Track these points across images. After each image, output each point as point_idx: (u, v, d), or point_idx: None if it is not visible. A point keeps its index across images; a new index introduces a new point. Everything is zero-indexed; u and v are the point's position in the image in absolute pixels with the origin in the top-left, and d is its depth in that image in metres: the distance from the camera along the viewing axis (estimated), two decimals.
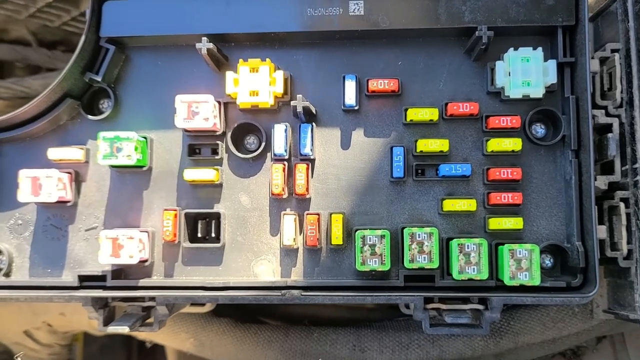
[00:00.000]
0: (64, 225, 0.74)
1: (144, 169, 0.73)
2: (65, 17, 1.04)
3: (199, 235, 0.73)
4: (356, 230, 0.69)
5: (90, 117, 0.74)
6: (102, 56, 0.73)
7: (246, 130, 0.74)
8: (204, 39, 0.69)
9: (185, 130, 0.73)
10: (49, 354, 1.07)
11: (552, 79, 0.68)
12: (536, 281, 0.65)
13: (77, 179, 0.74)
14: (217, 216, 0.73)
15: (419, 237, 0.67)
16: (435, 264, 0.66)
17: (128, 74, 0.75)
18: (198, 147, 0.74)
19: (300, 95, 0.67)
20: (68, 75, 0.71)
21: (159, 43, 0.74)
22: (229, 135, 0.73)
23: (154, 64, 0.75)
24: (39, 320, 1.00)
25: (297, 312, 1.00)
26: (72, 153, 0.73)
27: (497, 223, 0.69)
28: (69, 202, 0.73)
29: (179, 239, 0.72)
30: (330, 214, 0.70)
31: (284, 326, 0.92)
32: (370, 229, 0.68)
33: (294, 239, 0.70)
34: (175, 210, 0.71)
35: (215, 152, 0.73)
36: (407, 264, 0.67)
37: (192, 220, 0.73)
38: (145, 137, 0.73)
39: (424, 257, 0.66)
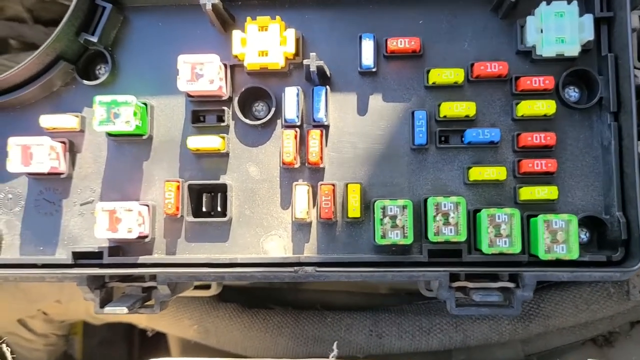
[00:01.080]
0: (58, 200, 0.69)
1: (144, 137, 0.67)
2: None
3: (204, 209, 0.68)
4: (375, 202, 0.63)
5: (85, 82, 0.68)
6: (98, 16, 0.67)
7: (254, 95, 0.68)
8: None
9: (189, 96, 0.67)
10: (45, 345, 1.01)
11: (589, 35, 0.62)
12: (574, 254, 0.59)
13: (72, 150, 0.68)
14: (223, 188, 0.67)
15: (445, 208, 0.61)
16: (463, 237, 0.60)
17: (127, 36, 0.69)
18: (202, 113, 0.68)
19: (314, 54, 0.62)
20: (61, 35, 0.65)
21: (160, 2, 0.69)
22: (235, 100, 0.67)
23: (155, 25, 0.69)
24: (33, 308, 0.94)
25: (307, 298, 0.94)
26: (66, 121, 0.67)
27: (529, 193, 0.63)
28: (62, 174, 0.67)
29: (182, 212, 0.66)
30: (347, 185, 0.65)
31: (294, 311, 0.86)
32: (390, 199, 0.62)
33: (307, 211, 0.64)
34: (177, 181, 0.66)
35: (221, 119, 0.67)
36: (431, 237, 0.61)
37: (196, 193, 0.68)
38: (145, 104, 0.67)
39: (450, 230, 0.60)
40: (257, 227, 0.67)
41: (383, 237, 0.61)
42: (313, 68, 0.62)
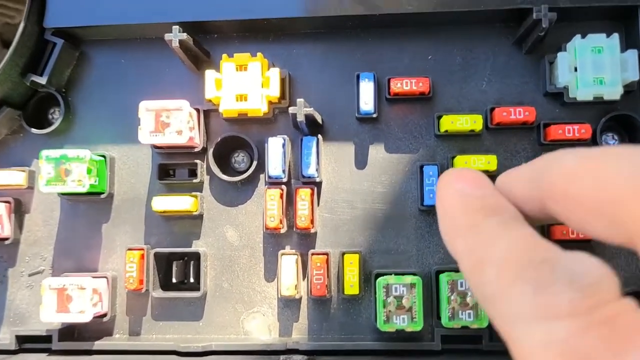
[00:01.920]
0: (2, 269, 0.58)
1: (103, 196, 0.56)
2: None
3: (174, 280, 0.57)
4: (377, 276, 0.52)
5: (34, 130, 0.58)
6: (48, 53, 0.57)
7: (233, 145, 0.58)
8: (176, 27, 0.53)
9: (155, 147, 0.57)
10: None
11: (634, 75, 0.52)
12: None
13: (19, 210, 0.58)
14: (196, 256, 0.56)
15: (462, 287, 0.50)
16: (484, 323, 0.50)
17: (84, 76, 0.59)
18: (172, 167, 0.58)
19: (302, 100, 0.51)
20: (2, 77, 0.55)
21: (122, 36, 0.58)
22: (210, 152, 0.56)
23: (117, 62, 0.59)
24: None
25: None
26: (11, 177, 0.57)
27: None
28: (7, 239, 0.57)
29: (147, 286, 0.55)
30: (343, 254, 0.54)
31: None
32: (395, 273, 0.52)
33: (296, 286, 0.54)
34: (141, 249, 0.55)
35: (193, 173, 0.57)
36: (445, 322, 0.50)
37: (165, 262, 0.57)
38: (104, 156, 0.57)
39: (469, 314, 0.50)
40: (236, 302, 0.56)
41: (387, 321, 0.50)
42: (301, 117, 0.51)
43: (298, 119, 0.51)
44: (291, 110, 0.51)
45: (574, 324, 0.21)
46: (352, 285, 0.53)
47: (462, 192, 0.29)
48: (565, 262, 0.23)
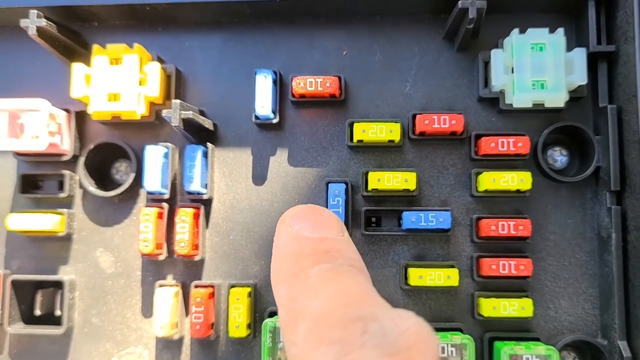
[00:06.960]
0: None
1: None
2: None
3: (38, 312, 0.48)
4: (271, 315, 0.43)
5: None
6: None
7: (114, 154, 0.49)
8: (33, 12, 0.44)
9: (18, 154, 0.48)
10: None
11: (581, 78, 0.43)
12: None
13: None
14: (61, 286, 0.47)
15: None
16: None
17: None
18: (40, 178, 0.49)
19: (177, 101, 0.42)
20: None
21: None
22: (82, 161, 0.47)
23: None
24: None
25: None
26: None
27: (492, 307, 0.43)
28: None
29: (1, 320, 0.46)
30: (230, 287, 0.45)
31: None
32: None
33: (173, 325, 0.45)
34: None
35: (62, 186, 0.48)
36: None
37: (29, 291, 0.48)
38: None
39: None
40: (107, 341, 0.47)
41: None
42: (176, 122, 0.42)
43: (173, 124, 0.42)
44: (164, 113, 0.42)
45: None
46: (237, 326, 0.44)
47: (297, 234, 0.26)
48: (383, 322, 0.20)
